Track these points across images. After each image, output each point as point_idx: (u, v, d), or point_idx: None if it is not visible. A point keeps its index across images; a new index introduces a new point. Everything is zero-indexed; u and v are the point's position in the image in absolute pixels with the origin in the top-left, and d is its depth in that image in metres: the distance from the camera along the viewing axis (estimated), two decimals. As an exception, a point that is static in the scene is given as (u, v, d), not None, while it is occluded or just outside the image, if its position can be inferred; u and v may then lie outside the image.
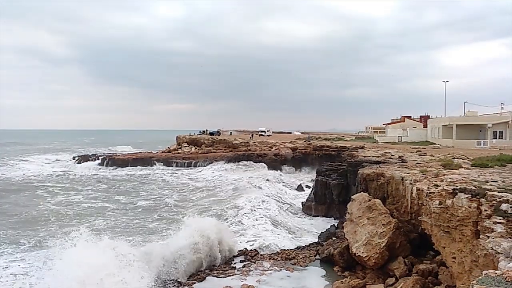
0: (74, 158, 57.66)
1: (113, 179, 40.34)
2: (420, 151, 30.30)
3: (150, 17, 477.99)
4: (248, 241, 17.60)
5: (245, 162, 46.68)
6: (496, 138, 41.85)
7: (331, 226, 19.62)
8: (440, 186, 10.84)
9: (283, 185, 34.71)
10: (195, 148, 56.42)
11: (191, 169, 47.57)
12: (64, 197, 29.77)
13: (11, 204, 26.88)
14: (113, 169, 48.57)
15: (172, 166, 49.17)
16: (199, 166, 48.17)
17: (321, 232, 18.43)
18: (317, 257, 15.33)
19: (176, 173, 44.38)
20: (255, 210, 23.00)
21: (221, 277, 13.54)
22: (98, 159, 53.69)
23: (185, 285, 12.86)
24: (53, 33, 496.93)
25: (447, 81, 60.41)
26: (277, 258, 15.21)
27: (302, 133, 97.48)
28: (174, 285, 12.77)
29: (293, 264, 14.62)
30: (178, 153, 54.63)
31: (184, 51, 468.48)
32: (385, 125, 77.02)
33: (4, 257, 15.42)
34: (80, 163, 53.95)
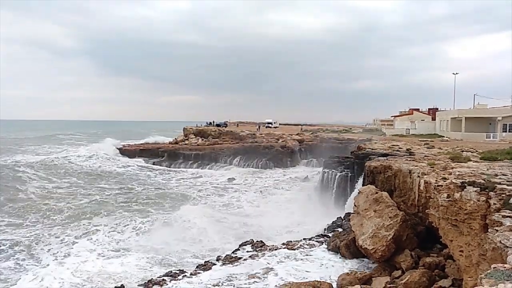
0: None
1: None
2: (428, 144, 30.04)
3: (157, 10, 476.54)
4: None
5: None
6: (506, 131, 41.27)
7: (337, 218, 19.62)
8: (448, 179, 10.76)
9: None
10: (202, 140, 56.54)
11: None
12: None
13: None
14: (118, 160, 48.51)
15: (180, 159, 48.32)
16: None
17: (328, 225, 18.45)
18: (324, 247, 15.36)
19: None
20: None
21: (228, 265, 13.65)
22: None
23: (192, 274, 12.99)
24: (61, 25, 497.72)
25: (456, 73, 59.68)
26: (283, 248, 15.27)
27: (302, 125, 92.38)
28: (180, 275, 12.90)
29: (300, 254, 14.65)
30: (185, 144, 54.80)
31: (191, 43, 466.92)
32: (393, 117, 76.24)
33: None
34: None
